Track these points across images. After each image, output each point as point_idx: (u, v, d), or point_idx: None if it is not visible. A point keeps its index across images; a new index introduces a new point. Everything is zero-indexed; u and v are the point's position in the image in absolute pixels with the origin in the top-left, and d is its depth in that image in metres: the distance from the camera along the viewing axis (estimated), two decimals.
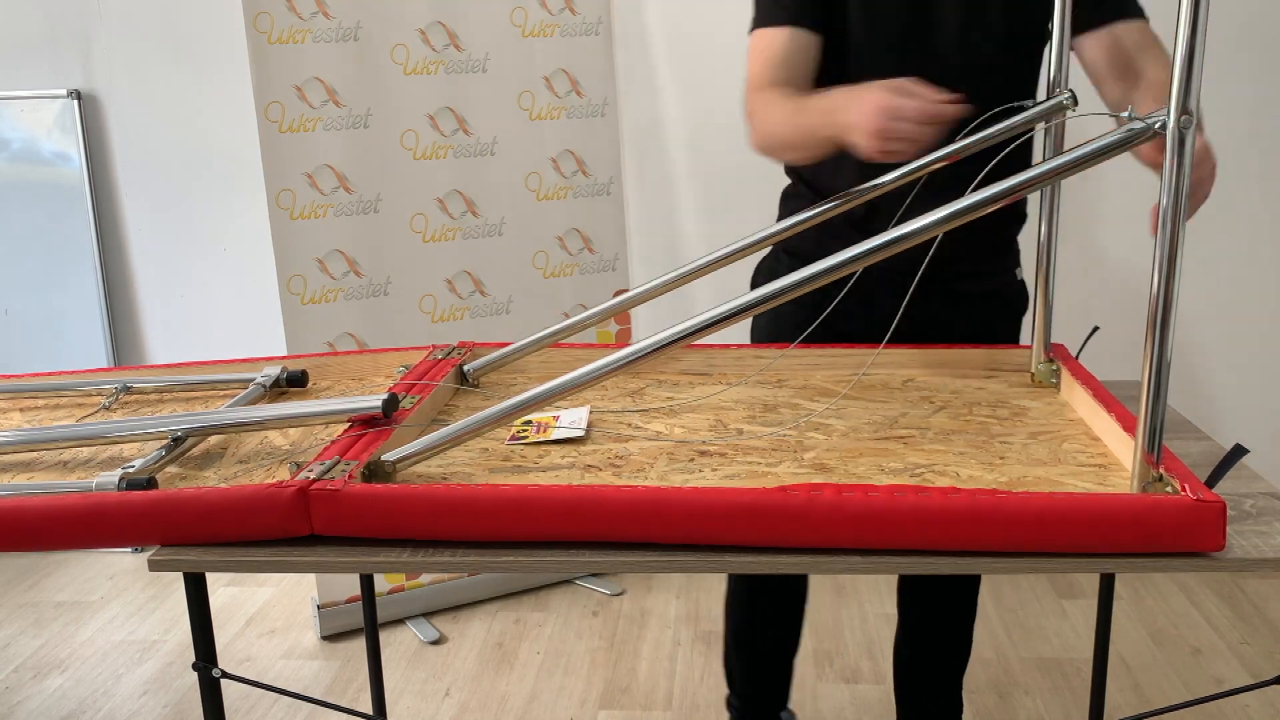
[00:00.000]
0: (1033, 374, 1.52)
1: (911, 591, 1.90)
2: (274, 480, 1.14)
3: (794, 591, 1.90)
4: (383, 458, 1.19)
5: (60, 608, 2.72)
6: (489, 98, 2.49)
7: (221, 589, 2.75)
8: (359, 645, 2.48)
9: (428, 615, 2.61)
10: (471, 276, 2.55)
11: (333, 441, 1.25)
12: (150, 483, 1.16)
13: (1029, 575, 2.67)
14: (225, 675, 1.15)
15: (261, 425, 1.34)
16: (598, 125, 2.63)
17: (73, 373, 1.64)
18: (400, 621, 2.59)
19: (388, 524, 1.10)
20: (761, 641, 1.91)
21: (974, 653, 2.36)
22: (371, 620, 1.82)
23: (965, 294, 1.60)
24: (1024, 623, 2.49)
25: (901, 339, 1.45)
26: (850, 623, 2.51)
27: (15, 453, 1.34)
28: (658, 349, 1.19)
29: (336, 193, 2.37)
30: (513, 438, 1.35)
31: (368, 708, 2.07)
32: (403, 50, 2.38)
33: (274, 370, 1.55)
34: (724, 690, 2.01)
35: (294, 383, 1.55)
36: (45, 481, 1.25)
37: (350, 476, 1.14)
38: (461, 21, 2.43)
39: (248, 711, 2.24)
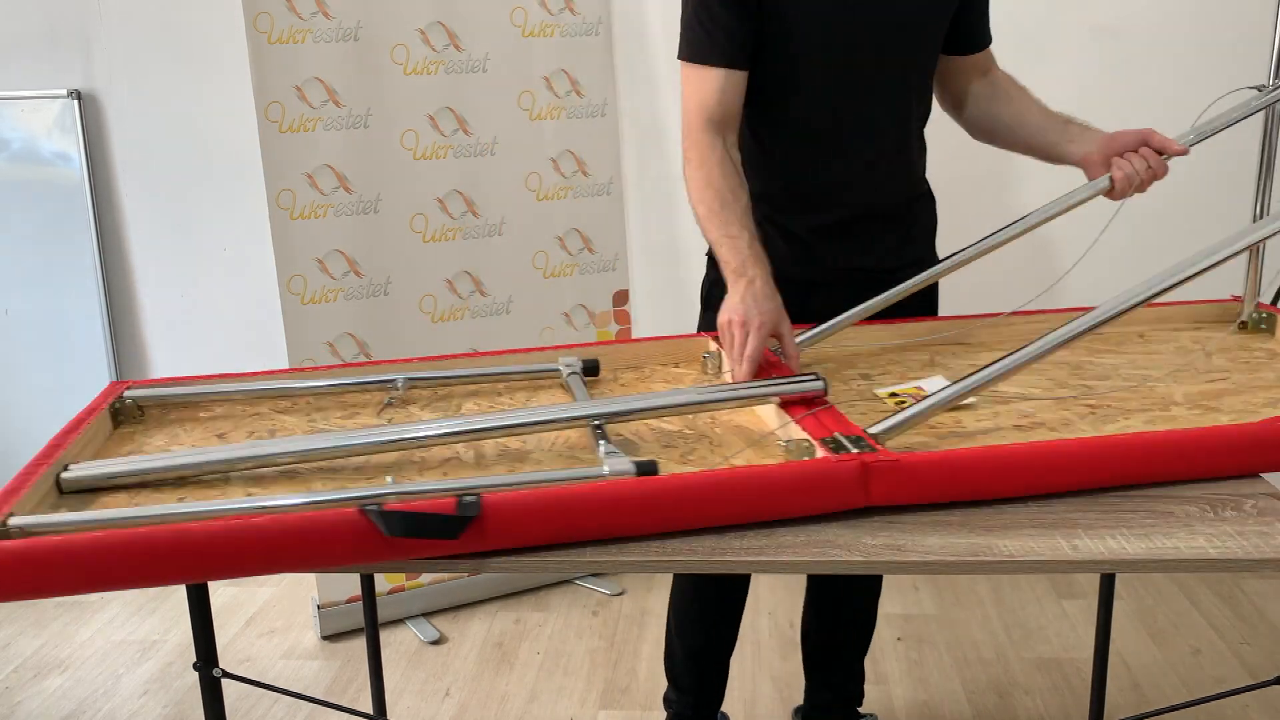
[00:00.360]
0: (1245, 322, 1.68)
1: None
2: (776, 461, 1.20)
3: (738, 587, 1.95)
4: (869, 430, 1.22)
5: (60, 608, 2.72)
6: (489, 98, 2.49)
7: (221, 589, 2.75)
8: (359, 645, 2.48)
9: (428, 615, 2.61)
10: (471, 276, 2.55)
11: (801, 419, 1.28)
12: (653, 467, 1.14)
13: (1029, 575, 2.67)
14: (225, 675, 1.15)
15: (711, 406, 1.35)
16: (598, 125, 2.63)
17: (316, 370, 1.59)
18: (400, 621, 2.59)
19: (948, 488, 1.15)
20: (707, 637, 1.95)
21: (974, 653, 2.36)
22: (372, 620, 1.82)
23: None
24: (1024, 623, 2.49)
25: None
26: None
27: (359, 453, 1.25)
28: (1116, 314, 1.30)
29: (336, 193, 2.37)
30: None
31: (368, 708, 2.07)
32: (403, 50, 2.38)
33: (574, 360, 1.55)
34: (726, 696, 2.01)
35: (589, 372, 1.56)
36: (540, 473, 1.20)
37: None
38: (461, 21, 2.43)
39: (248, 711, 2.24)
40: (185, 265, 2.93)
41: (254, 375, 1.51)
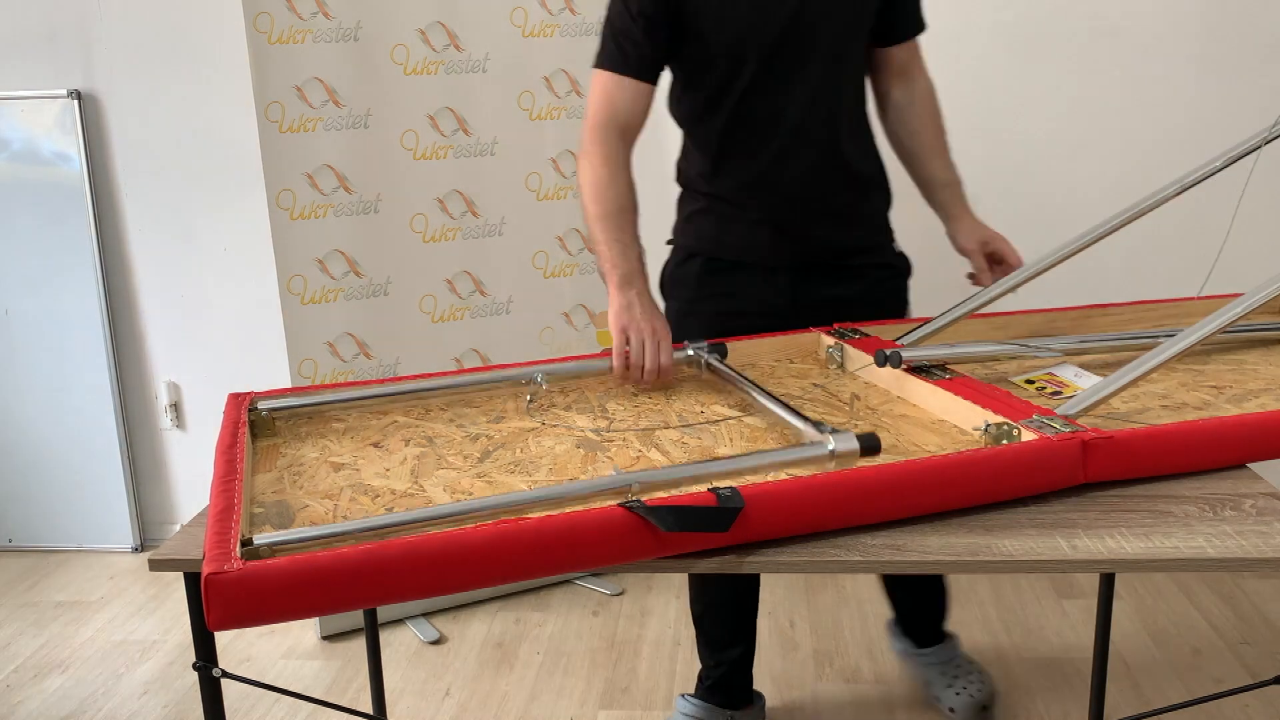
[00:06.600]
0: None
1: None
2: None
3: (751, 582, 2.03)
4: (1060, 411, 1.25)
5: (60, 608, 2.72)
6: (489, 98, 2.49)
7: None
8: (359, 645, 2.48)
9: (428, 615, 2.61)
10: (471, 276, 2.55)
11: (1010, 404, 1.30)
12: (876, 441, 1.21)
13: (1028, 575, 2.67)
14: (225, 675, 1.14)
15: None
16: None
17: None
18: (400, 621, 2.59)
19: (1161, 462, 1.19)
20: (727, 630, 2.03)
21: (974, 653, 2.36)
22: (371, 620, 1.82)
23: (862, 268, 1.81)
24: (1024, 623, 2.49)
25: (815, 316, 1.70)
26: (850, 623, 2.51)
27: None
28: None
29: (336, 193, 2.37)
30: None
31: (368, 708, 2.07)
32: (403, 50, 2.38)
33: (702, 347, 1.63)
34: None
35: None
36: None
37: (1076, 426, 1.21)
38: (461, 21, 2.43)
39: (248, 711, 2.24)
40: (185, 265, 2.93)
41: (368, 383, 1.51)
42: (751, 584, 2.04)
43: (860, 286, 1.79)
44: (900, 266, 1.86)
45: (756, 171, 1.72)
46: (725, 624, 2.04)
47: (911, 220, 1.91)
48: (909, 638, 2.18)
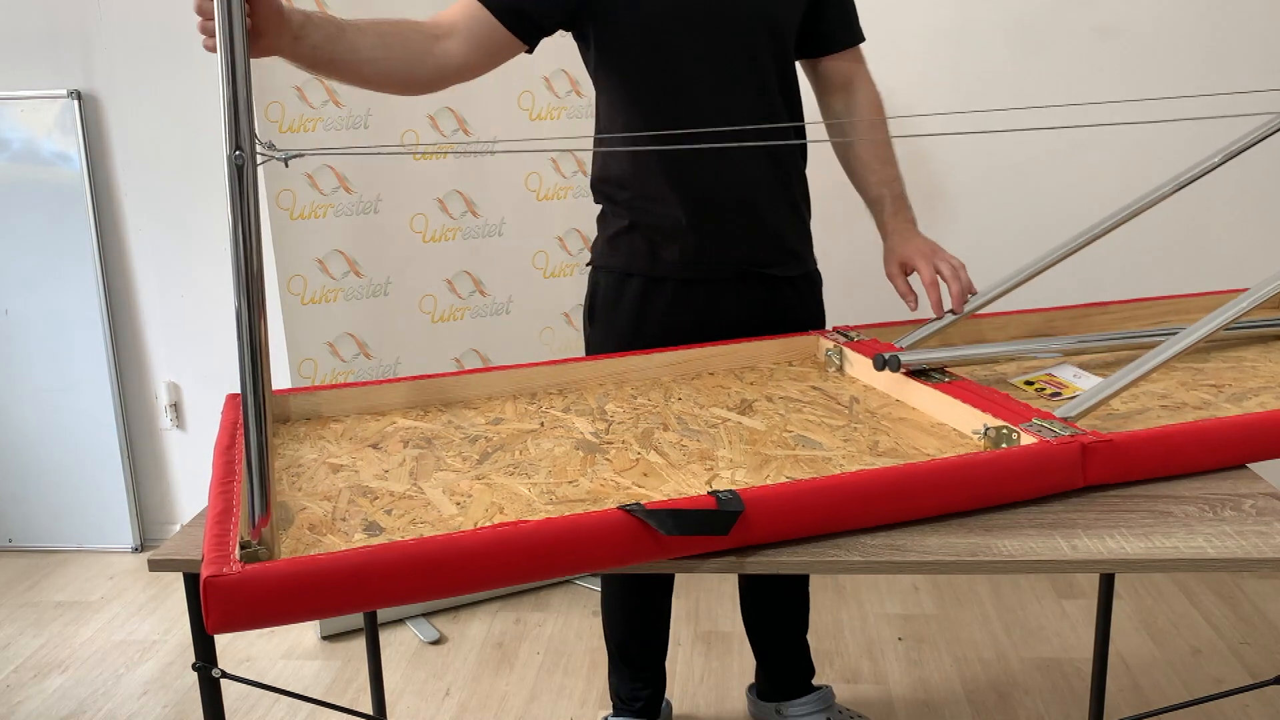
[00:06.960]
0: None
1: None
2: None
3: (663, 591, 2.02)
4: (1059, 413, 1.25)
5: (60, 608, 2.72)
6: (489, 98, 2.49)
7: None
8: (359, 645, 2.49)
9: (428, 615, 2.61)
10: (471, 276, 2.55)
11: (1008, 407, 1.30)
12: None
13: (1028, 575, 2.67)
14: (225, 675, 1.14)
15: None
16: None
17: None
18: (400, 621, 2.59)
19: (1160, 465, 1.19)
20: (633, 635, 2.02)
21: (974, 653, 2.36)
22: (371, 620, 1.82)
23: (781, 280, 1.75)
24: (1024, 623, 2.49)
25: (731, 325, 1.68)
26: (850, 623, 2.51)
27: None
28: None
29: (336, 193, 2.37)
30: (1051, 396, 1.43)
31: (368, 708, 2.07)
32: None
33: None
34: (724, 689, 2.01)
35: None
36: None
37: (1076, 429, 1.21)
38: None
39: (248, 711, 2.24)
40: (185, 265, 2.93)
41: (364, 385, 1.51)
42: (665, 591, 2.00)
43: (793, 296, 1.74)
44: (818, 278, 1.81)
45: (688, 174, 1.62)
46: (650, 640, 2.01)
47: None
48: (778, 696, 2.07)
